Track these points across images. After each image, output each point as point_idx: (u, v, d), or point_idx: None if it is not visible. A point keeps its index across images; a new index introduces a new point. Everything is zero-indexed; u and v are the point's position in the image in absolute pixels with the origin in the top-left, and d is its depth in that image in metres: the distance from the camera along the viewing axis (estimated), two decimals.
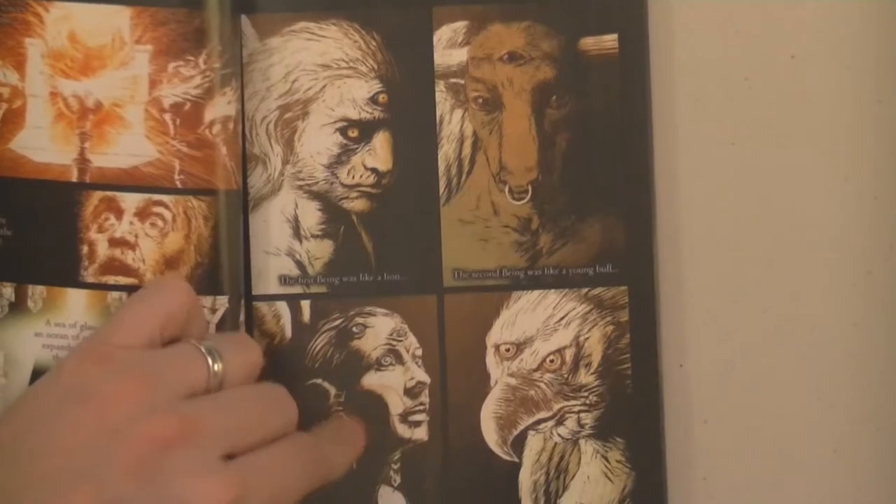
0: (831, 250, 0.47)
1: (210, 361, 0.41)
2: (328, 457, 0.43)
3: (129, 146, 0.45)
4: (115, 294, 0.44)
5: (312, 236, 0.46)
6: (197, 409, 0.39)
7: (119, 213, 0.45)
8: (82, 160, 0.45)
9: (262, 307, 0.46)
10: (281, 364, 0.46)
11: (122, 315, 0.42)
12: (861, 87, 0.47)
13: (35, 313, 0.44)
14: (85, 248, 0.45)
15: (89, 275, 0.44)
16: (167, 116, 0.45)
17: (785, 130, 0.47)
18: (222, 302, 0.45)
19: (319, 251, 0.46)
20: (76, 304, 0.44)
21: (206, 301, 0.45)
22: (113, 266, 0.44)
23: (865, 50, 0.47)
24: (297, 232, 0.46)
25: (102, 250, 0.45)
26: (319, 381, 0.46)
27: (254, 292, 0.46)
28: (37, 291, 0.44)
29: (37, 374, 0.44)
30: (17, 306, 0.44)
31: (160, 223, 0.45)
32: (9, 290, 0.44)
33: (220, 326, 0.45)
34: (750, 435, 0.47)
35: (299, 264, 0.46)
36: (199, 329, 0.43)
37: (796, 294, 0.47)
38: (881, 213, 0.47)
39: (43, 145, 0.44)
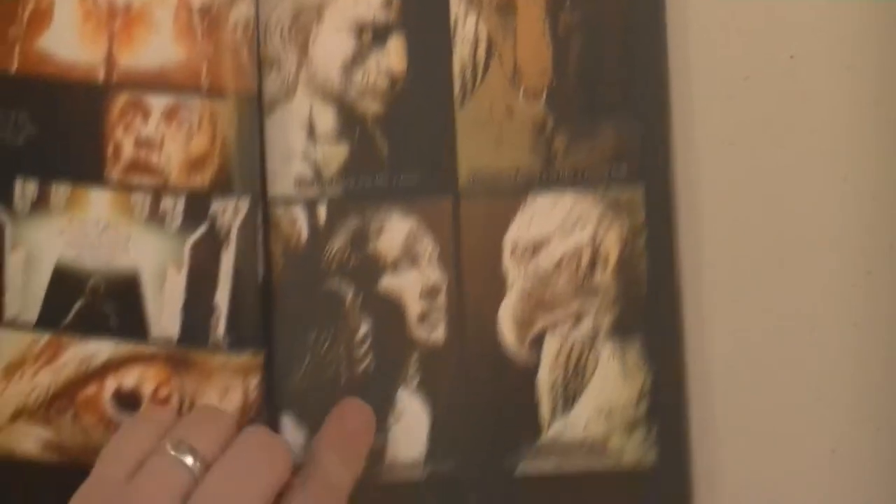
0: (831, 250, 0.47)
1: (185, 460, 0.40)
2: (335, 490, 0.43)
3: (158, 48, 0.45)
4: (139, 195, 0.45)
5: (328, 139, 0.46)
6: None
7: (146, 115, 0.45)
8: (110, 61, 0.45)
9: (278, 211, 0.46)
10: (297, 268, 0.46)
11: (112, 452, 0.41)
12: (860, 88, 0.47)
13: (59, 211, 0.45)
14: (110, 148, 0.45)
15: (114, 174, 0.45)
16: (195, 19, 0.45)
17: (785, 130, 0.47)
18: (244, 205, 0.45)
19: (335, 154, 0.46)
20: (100, 204, 0.45)
21: (230, 204, 0.45)
22: (138, 166, 0.45)
23: (865, 50, 0.47)
24: (311, 135, 0.46)
25: (128, 150, 0.45)
26: (336, 283, 0.46)
27: (270, 195, 0.46)
28: (60, 189, 0.45)
29: (58, 271, 0.45)
30: (40, 204, 0.45)
31: (186, 125, 0.45)
32: (32, 188, 0.45)
33: (242, 230, 0.45)
34: (749, 435, 0.47)
35: (314, 167, 0.46)
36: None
37: (796, 294, 0.47)
38: (881, 213, 0.47)
39: (70, 45, 0.45)
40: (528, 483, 0.46)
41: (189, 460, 0.40)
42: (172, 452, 0.40)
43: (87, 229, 0.45)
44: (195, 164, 0.45)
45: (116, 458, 0.41)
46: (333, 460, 0.44)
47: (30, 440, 0.45)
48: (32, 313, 0.45)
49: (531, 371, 0.46)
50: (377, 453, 0.46)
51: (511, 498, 0.46)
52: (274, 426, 0.46)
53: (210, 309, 0.45)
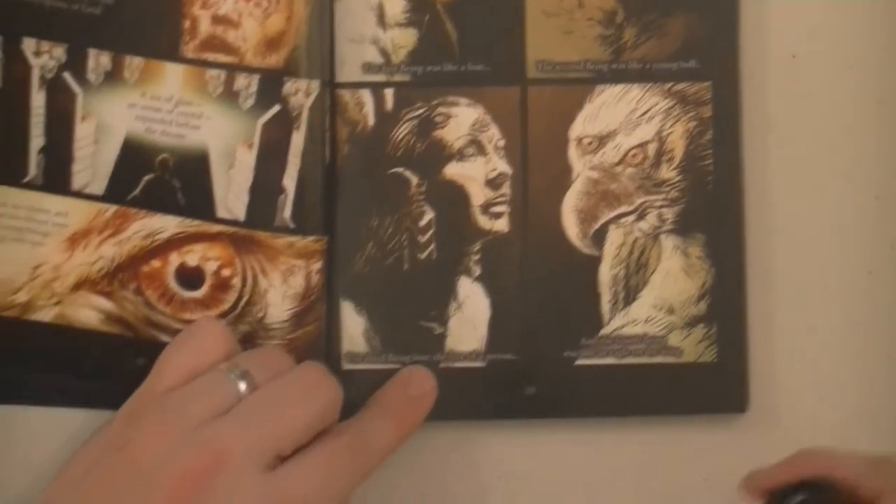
0: (832, 250, 0.47)
1: (238, 384, 0.40)
2: (373, 444, 0.42)
3: None
4: (213, 72, 0.45)
5: (397, 24, 0.46)
6: (222, 430, 0.39)
7: None
8: None
9: (345, 95, 0.46)
10: (362, 153, 0.46)
11: (162, 364, 0.42)
12: (862, 87, 0.47)
13: (131, 84, 0.45)
14: (187, 23, 0.45)
15: (189, 50, 0.45)
16: None
17: (785, 130, 0.47)
18: (315, 87, 0.45)
19: (403, 39, 0.46)
20: (173, 79, 0.45)
21: (301, 84, 0.45)
22: (214, 43, 0.45)
23: (867, 49, 0.47)
24: (381, 20, 0.46)
25: (205, 26, 0.45)
26: (401, 169, 0.46)
27: (337, 80, 0.46)
28: (134, 62, 0.45)
29: (128, 144, 0.45)
30: (113, 76, 0.45)
31: (264, 3, 0.45)
32: (106, 60, 0.45)
33: (312, 112, 0.45)
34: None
35: (383, 52, 0.46)
36: (233, 353, 0.42)
37: (797, 294, 0.47)
38: (882, 213, 0.47)
39: None
40: (588, 373, 0.46)
41: (242, 385, 0.40)
42: (227, 374, 0.40)
43: (159, 104, 0.45)
44: (270, 44, 0.45)
45: (168, 371, 0.41)
46: (382, 421, 0.43)
47: (91, 310, 0.45)
48: (101, 184, 0.45)
49: (593, 264, 0.46)
50: (437, 341, 0.46)
51: (570, 387, 0.46)
52: (334, 313, 0.46)
53: (278, 190, 0.45)
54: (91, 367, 0.45)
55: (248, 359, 0.42)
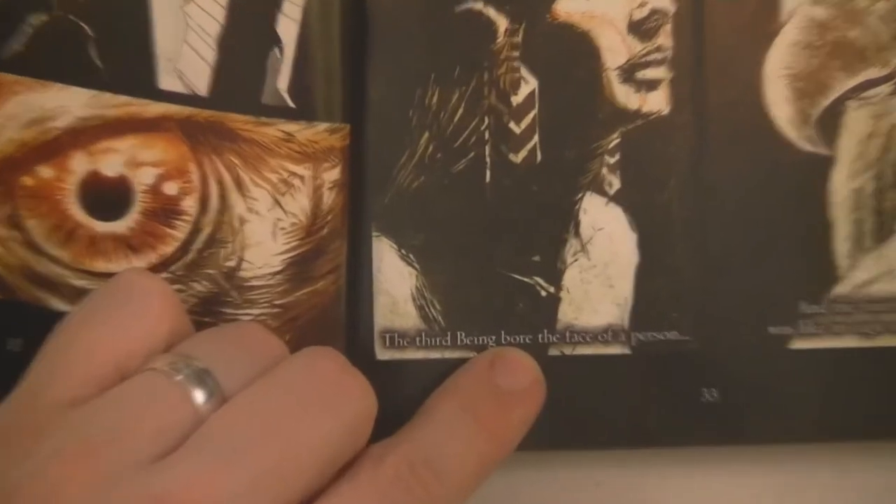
0: None
1: (189, 389, 0.29)
2: (445, 469, 0.31)
3: None
4: None
5: None
6: (175, 479, 0.28)
7: None
8: None
9: None
10: None
11: (59, 352, 0.30)
12: None
13: None
14: None
15: None
16: None
17: None
18: None
19: None
20: None
21: None
22: None
23: None
24: None
25: None
26: (480, 5, 0.32)
27: None
28: None
29: None
30: None
31: None
32: None
33: None
34: None
35: None
36: (179, 336, 0.32)
37: None
38: None
39: None
40: (812, 362, 0.32)
41: (199, 396, 0.28)
42: (173, 376, 0.29)
43: None
44: None
45: (69, 367, 0.29)
46: (458, 429, 0.32)
47: None
48: None
49: (819, 170, 0.32)
50: (545, 308, 0.32)
51: (781, 388, 0.32)
52: (362, 259, 0.33)
53: (266, 42, 0.33)
54: None
55: (207, 347, 0.30)
